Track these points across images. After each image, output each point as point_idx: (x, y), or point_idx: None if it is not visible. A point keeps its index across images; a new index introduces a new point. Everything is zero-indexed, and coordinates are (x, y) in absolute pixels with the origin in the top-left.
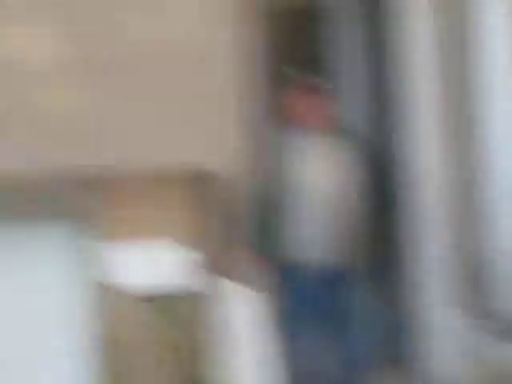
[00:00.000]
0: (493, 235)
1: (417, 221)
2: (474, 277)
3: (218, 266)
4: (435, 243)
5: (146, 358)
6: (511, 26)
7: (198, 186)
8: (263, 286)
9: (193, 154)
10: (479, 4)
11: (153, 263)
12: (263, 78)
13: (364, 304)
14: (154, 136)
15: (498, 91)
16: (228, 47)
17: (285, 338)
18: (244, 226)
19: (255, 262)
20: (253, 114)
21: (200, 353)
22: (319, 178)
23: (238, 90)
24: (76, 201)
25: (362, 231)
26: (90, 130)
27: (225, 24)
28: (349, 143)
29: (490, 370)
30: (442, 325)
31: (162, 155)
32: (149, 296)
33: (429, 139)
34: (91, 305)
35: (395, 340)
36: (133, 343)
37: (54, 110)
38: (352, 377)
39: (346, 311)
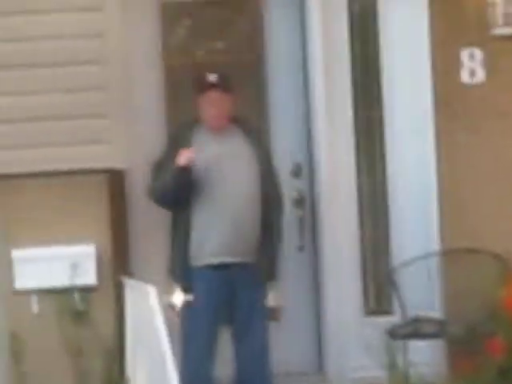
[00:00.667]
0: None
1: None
2: (380, 283)
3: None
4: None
5: (49, 354)
6: None
7: (107, 184)
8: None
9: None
10: None
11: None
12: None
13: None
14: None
15: None
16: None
17: (188, 335)
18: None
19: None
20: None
21: (99, 347)
22: (228, 177)
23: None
24: None
25: (266, 231)
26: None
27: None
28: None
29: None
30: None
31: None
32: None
33: (337, 147)
34: None
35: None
36: (34, 341)
37: None
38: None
39: (250, 308)
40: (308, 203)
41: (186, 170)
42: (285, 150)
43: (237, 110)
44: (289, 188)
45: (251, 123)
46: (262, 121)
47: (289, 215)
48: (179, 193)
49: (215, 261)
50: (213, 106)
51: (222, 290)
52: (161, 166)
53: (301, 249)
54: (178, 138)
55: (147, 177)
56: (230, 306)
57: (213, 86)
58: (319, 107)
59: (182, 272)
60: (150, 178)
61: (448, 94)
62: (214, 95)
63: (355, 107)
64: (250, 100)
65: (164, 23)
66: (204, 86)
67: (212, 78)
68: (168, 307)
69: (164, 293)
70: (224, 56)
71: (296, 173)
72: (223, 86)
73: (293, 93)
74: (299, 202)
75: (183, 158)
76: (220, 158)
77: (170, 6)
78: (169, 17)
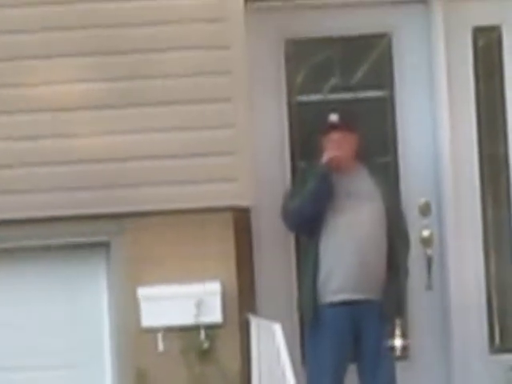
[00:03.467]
0: None
1: None
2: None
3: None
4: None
5: None
6: None
7: (233, 221)
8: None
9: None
10: None
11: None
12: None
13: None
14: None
15: None
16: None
17: (314, 374)
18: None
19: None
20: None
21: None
22: (355, 215)
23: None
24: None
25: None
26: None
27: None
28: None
29: None
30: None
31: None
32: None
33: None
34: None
35: None
36: (160, 379)
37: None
38: None
39: (376, 346)
40: (437, 242)
41: (329, 172)
42: (413, 188)
43: (362, 147)
44: (417, 226)
45: (376, 161)
46: (390, 157)
47: (417, 254)
48: (319, 202)
49: (341, 298)
50: (334, 147)
51: (347, 328)
52: (292, 191)
53: (429, 288)
54: (304, 178)
55: (274, 217)
56: (355, 343)
57: (335, 126)
58: (446, 144)
59: (309, 309)
60: (284, 201)
61: None
62: (335, 136)
63: (480, 145)
64: (378, 136)
65: (288, 60)
66: (326, 127)
67: (333, 118)
68: None
69: None
70: (351, 93)
71: (424, 211)
72: (345, 125)
73: (421, 130)
74: (427, 241)
75: (327, 155)
76: (346, 195)
77: (294, 43)
78: (293, 53)
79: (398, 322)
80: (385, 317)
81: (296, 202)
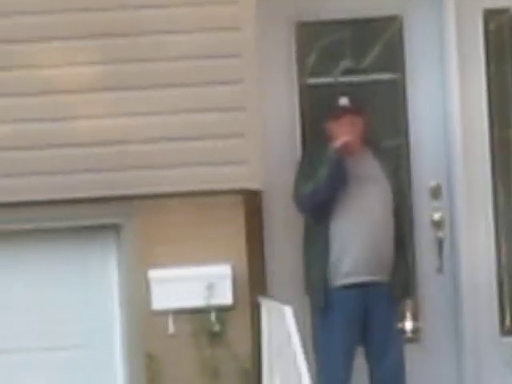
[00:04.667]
0: None
1: None
2: None
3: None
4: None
5: (185, 374)
6: None
7: (243, 204)
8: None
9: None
10: None
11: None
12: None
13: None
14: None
15: None
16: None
17: (323, 356)
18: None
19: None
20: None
21: (235, 368)
22: (364, 197)
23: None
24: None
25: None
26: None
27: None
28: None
29: None
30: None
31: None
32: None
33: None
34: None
35: None
36: (171, 362)
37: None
38: None
39: (386, 328)
40: (448, 224)
41: (342, 158)
42: (424, 171)
43: (372, 129)
44: (428, 209)
45: (382, 144)
46: (401, 140)
47: (428, 236)
48: (333, 188)
49: (353, 280)
50: (345, 131)
51: (358, 310)
52: (303, 174)
53: (439, 270)
54: (312, 157)
55: (285, 199)
56: (365, 325)
57: (344, 110)
58: (457, 127)
59: (320, 292)
60: (296, 184)
61: None
62: (345, 120)
63: (491, 127)
64: (389, 119)
65: (299, 43)
66: (336, 111)
67: (343, 101)
68: None
69: None
70: (362, 75)
71: (435, 193)
72: (355, 109)
73: (431, 113)
74: (438, 224)
75: (340, 140)
76: (355, 179)
77: (304, 25)
78: (304, 36)
79: (408, 303)
80: (394, 299)
81: (310, 187)
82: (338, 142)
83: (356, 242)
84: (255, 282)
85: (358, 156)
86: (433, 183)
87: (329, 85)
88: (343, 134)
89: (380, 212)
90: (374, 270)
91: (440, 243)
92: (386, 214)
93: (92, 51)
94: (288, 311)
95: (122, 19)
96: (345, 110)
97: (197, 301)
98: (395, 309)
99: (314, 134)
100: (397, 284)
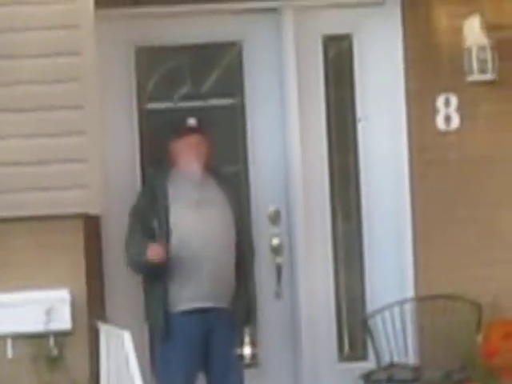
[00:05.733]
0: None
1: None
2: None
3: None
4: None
5: None
6: None
7: (82, 229)
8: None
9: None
10: None
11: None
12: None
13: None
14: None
15: None
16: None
17: (164, 379)
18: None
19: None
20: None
21: None
22: (204, 223)
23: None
24: None
25: (240, 276)
26: None
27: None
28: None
29: None
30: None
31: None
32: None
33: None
34: None
35: None
36: (8, 382)
37: None
38: None
39: (226, 354)
40: (287, 250)
41: (148, 265)
42: (263, 196)
43: (213, 155)
44: (267, 234)
45: (222, 170)
46: (240, 166)
47: (267, 262)
48: (153, 271)
49: (194, 306)
50: (191, 150)
51: (199, 336)
52: (138, 213)
53: (278, 296)
54: (153, 183)
55: (124, 224)
56: (206, 351)
57: (191, 130)
58: (296, 152)
59: (159, 318)
60: (128, 228)
61: (424, 139)
62: (192, 139)
63: (330, 153)
64: (228, 145)
65: (139, 68)
66: (183, 131)
67: (191, 121)
68: None
69: None
70: (201, 101)
71: (274, 219)
72: (202, 130)
73: (271, 138)
74: (277, 249)
75: (154, 254)
76: (196, 204)
77: (144, 51)
78: (144, 61)
79: (247, 330)
80: (234, 325)
81: (128, 257)
82: (153, 255)
83: (197, 268)
84: (94, 307)
85: (200, 181)
86: (271, 209)
87: (168, 110)
88: (188, 154)
89: (221, 238)
90: (215, 297)
91: (279, 269)
92: (227, 240)
93: None
94: (126, 336)
95: None
96: (191, 130)
97: (36, 325)
98: (236, 335)
99: (153, 159)
100: (238, 310)
